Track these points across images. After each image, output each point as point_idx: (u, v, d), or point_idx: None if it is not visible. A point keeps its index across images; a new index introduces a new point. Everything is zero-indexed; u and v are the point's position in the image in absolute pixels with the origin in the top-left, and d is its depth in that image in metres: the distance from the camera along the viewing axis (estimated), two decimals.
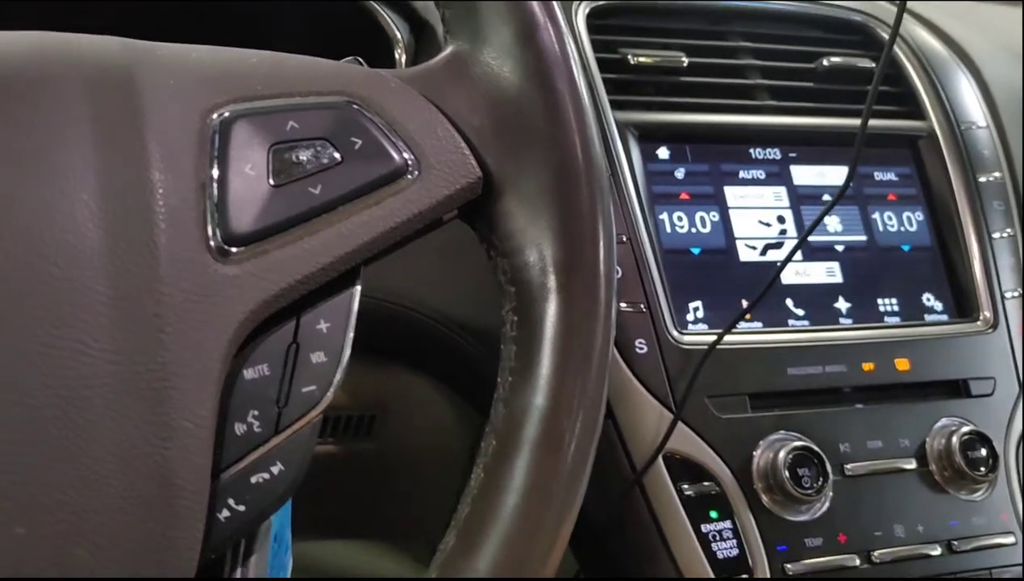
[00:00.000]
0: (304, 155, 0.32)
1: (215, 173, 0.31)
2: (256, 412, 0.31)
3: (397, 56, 0.59)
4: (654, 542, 0.56)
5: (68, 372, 0.27)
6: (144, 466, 0.28)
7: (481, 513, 0.32)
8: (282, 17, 0.61)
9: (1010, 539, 0.60)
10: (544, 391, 0.32)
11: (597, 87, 0.63)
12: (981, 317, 0.66)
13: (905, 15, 0.58)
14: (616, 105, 0.64)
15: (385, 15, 0.59)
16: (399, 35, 0.59)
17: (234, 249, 0.30)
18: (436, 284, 0.60)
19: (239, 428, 0.30)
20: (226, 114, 0.32)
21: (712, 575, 0.55)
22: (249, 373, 0.31)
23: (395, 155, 0.33)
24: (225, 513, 0.30)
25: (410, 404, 0.69)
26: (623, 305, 0.58)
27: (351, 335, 0.32)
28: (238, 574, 0.33)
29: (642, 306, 0.58)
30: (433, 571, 0.31)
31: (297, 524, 0.55)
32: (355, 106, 0.33)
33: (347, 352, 0.32)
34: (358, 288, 0.33)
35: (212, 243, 0.30)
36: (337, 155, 0.32)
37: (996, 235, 0.68)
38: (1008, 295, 0.67)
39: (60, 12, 0.56)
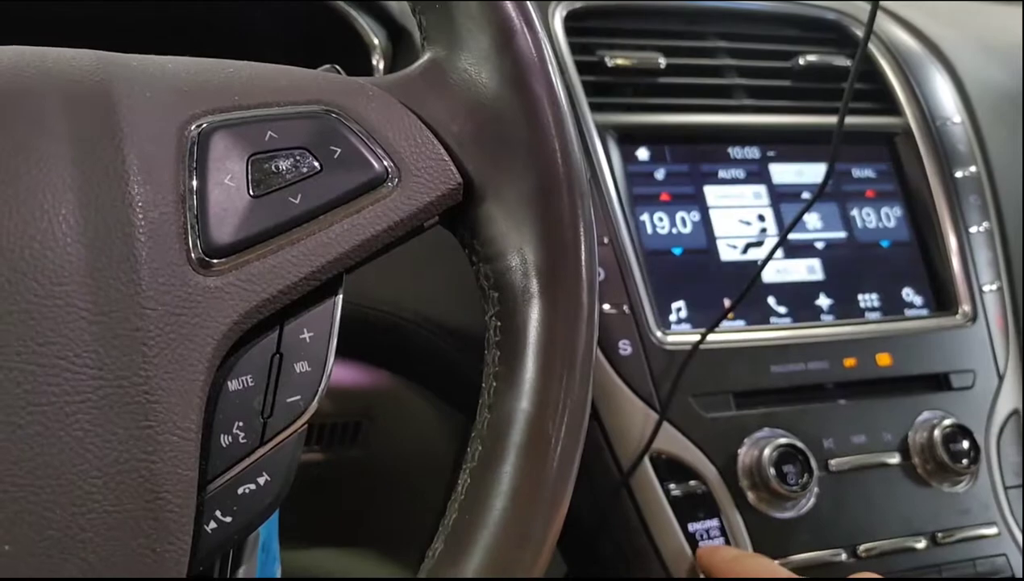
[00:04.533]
0: (283, 165, 0.32)
1: (194, 185, 0.30)
2: (241, 423, 0.30)
3: (375, 62, 0.59)
4: (642, 543, 0.56)
5: (52, 389, 0.27)
6: (130, 481, 0.28)
7: (469, 518, 0.32)
8: (259, 25, 0.60)
9: (992, 529, 0.61)
10: (529, 395, 0.32)
11: (576, 90, 0.64)
12: (960, 311, 0.67)
13: (880, 13, 0.59)
14: (595, 107, 0.64)
15: (362, 21, 0.59)
16: (376, 41, 0.59)
17: (215, 261, 0.30)
18: (418, 290, 0.60)
19: (224, 440, 0.30)
20: (204, 125, 0.31)
21: (700, 575, 0.55)
22: (233, 384, 0.31)
23: (375, 163, 0.33)
24: (212, 525, 0.30)
25: (396, 410, 0.69)
26: (606, 307, 0.58)
27: (334, 344, 0.32)
28: None
29: (625, 307, 0.59)
30: (421, 577, 0.31)
31: (285, 532, 0.55)
32: (333, 115, 0.33)
33: (331, 361, 0.32)
34: (340, 297, 0.33)
35: (193, 255, 0.30)
36: (316, 164, 0.32)
37: (973, 229, 0.69)
38: (986, 288, 0.68)
39: (33, 21, 0.56)
